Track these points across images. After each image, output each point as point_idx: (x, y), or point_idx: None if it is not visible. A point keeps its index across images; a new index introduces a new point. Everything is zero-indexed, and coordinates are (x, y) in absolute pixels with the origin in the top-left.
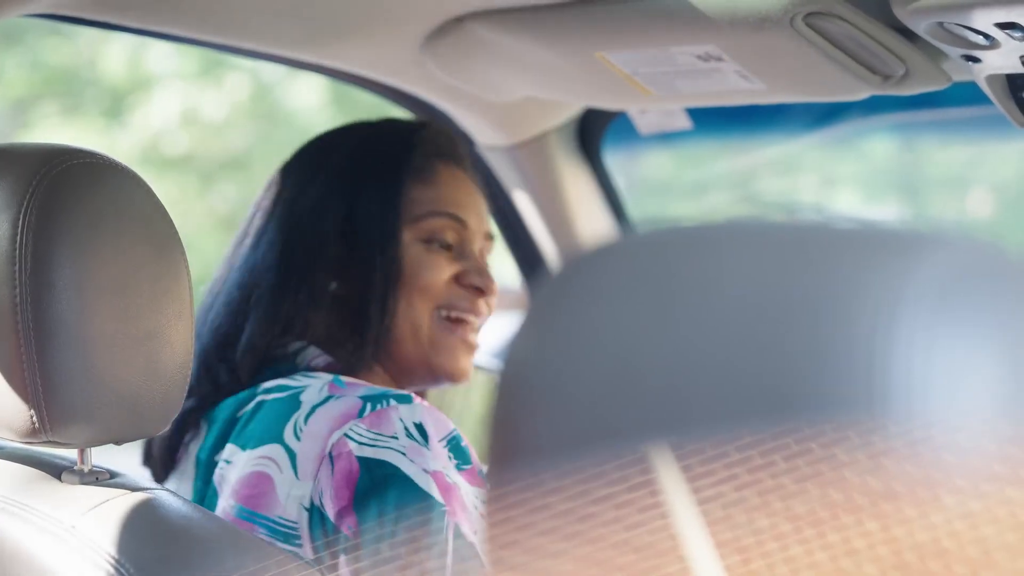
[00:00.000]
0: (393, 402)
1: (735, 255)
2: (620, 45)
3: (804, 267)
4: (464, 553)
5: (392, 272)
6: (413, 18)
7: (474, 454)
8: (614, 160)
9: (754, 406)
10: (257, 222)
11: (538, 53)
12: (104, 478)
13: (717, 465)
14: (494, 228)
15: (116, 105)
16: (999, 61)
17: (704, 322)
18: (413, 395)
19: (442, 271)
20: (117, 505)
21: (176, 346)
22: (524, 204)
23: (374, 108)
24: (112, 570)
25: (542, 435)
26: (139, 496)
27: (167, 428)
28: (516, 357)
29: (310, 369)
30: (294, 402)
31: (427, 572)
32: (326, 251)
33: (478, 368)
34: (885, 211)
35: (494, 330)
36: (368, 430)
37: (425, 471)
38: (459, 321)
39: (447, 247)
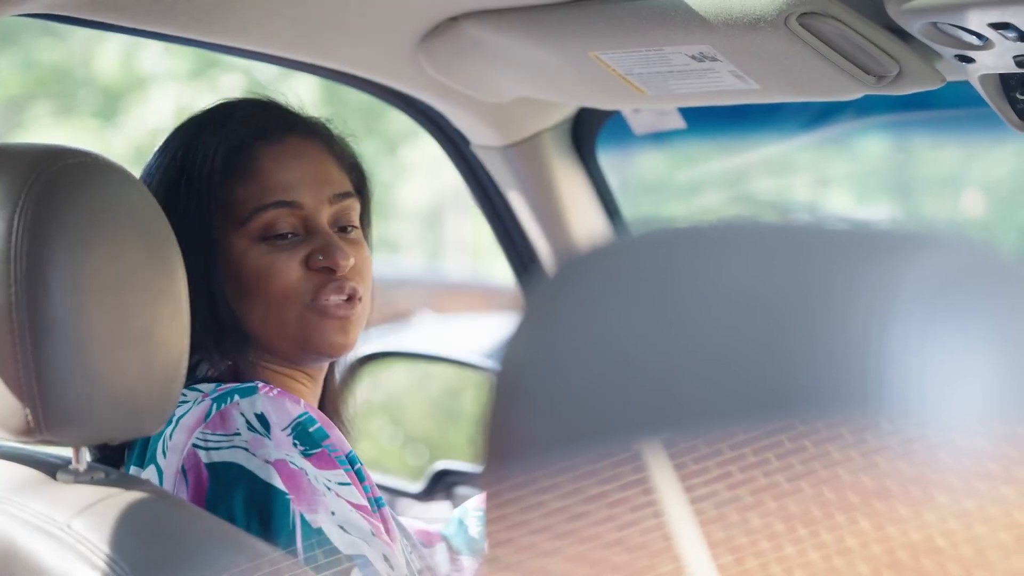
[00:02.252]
0: (236, 397)
1: (729, 256)
2: (614, 45)
3: (798, 267)
4: (313, 539)
5: (234, 284)
6: (407, 18)
7: (335, 436)
8: (608, 160)
9: (748, 406)
10: None
11: (532, 53)
12: (99, 477)
13: (710, 463)
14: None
15: (109, 105)
16: (992, 61)
17: (698, 322)
18: (259, 385)
19: (289, 265)
20: (112, 504)
21: (171, 345)
22: (518, 204)
23: (365, 107)
24: (107, 569)
25: (537, 434)
26: (134, 495)
27: (161, 427)
28: (511, 357)
29: (207, 379)
30: (170, 418)
31: (278, 561)
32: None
33: (472, 366)
34: (878, 211)
35: (489, 330)
36: (213, 434)
37: (267, 462)
38: (323, 305)
39: (286, 236)
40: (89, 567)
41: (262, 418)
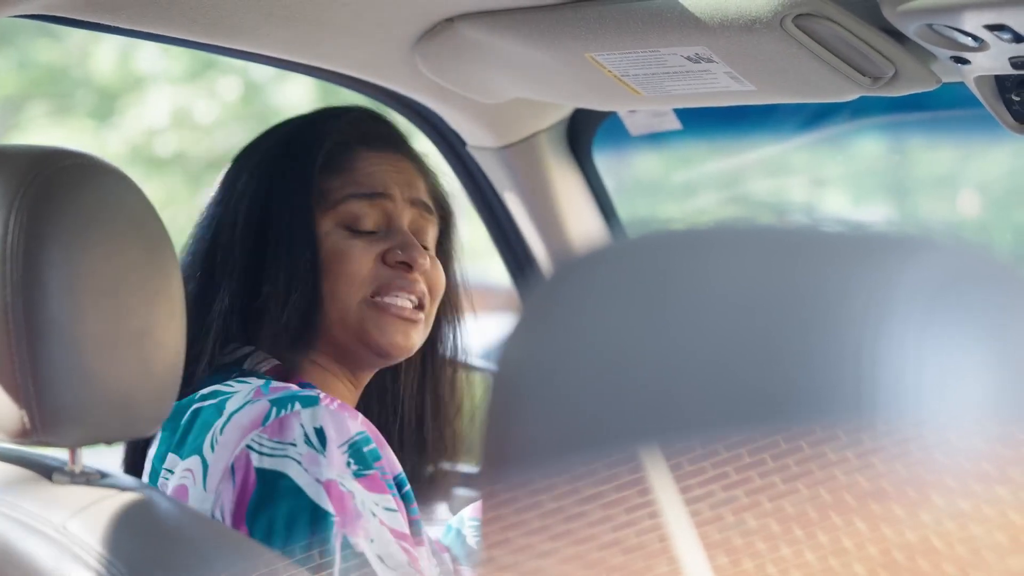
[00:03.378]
0: (297, 406)
1: (725, 258)
2: (610, 46)
3: (794, 269)
4: (352, 563)
5: (311, 265)
6: (403, 19)
7: (387, 457)
8: (604, 161)
9: (744, 407)
10: (194, 230)
11: (528, 54)
12: (95, 479)
13: (706, 464)
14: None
15: (106, 106)
16: (988, 63)
17: (695, 323)
18: (320, 396)
19: (365, 255)
20: (108, 506)
21: (167, 346)
22: (514, 205)
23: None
24: (103, 570)
25: (533, 436)
26: (130, 496)
27: (158, 429)
28: (508, 358)
29: (253, 373)
30: (219, 410)
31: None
32: (244, 253)
33: (469, 366)
34: (874, 212)
35: (486, 331)
36: (269, 439)
37: (317, 481)
38: (387, 303)
39: (370, 231)
40: (85, 569)
41: (320, 433)
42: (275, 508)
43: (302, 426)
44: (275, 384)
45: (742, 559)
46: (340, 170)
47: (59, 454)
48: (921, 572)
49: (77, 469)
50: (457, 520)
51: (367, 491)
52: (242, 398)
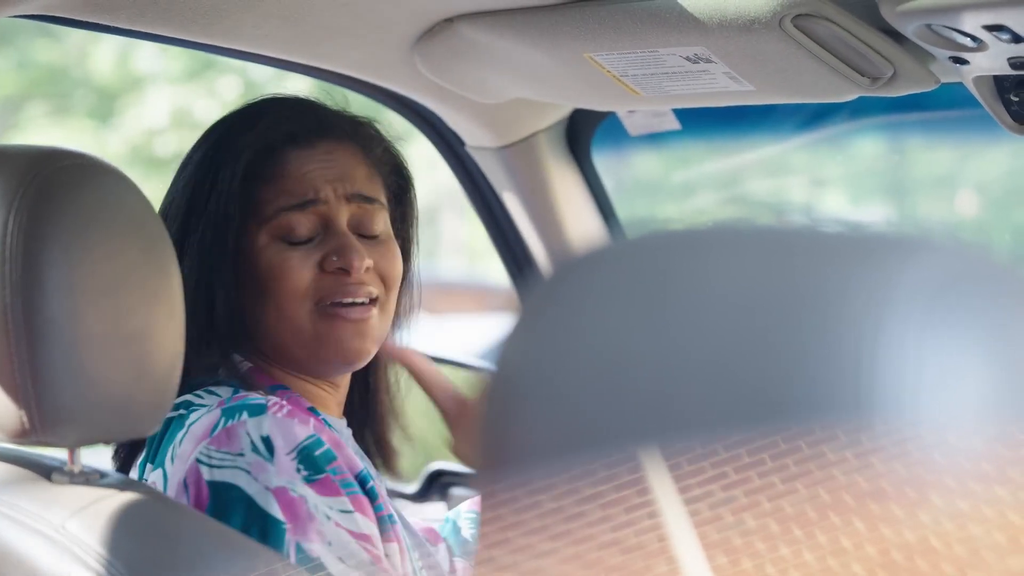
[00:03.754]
0: (244, 415)
1: (724, 258)
2: (609, 46)
3: (793, 269)
4: (309, 568)
5: (249, 284)
6: (403, 19)
7: (343, 458)
8: (603, 161)
9: (744, 408)
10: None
11: (527, 54)
12: (94, 478)
13: (705, 464)
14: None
15: (105, 106)
16: (986, 63)
17: (694, 324)
18: (268, 404)
19: (303, 266)
20: (107, 505)
21: (166, 346)
22: (513, 205)
23: (360, 108)
24: (102, 570)
25: (532, 436)
26: (129, 496)
27: (157, 429)
28: (507, 359)
29: (226, 382)
30: (182, 421)
31: (273, 562)
32: (187, 268)
33: (467, 367)
34: (873, 212)
35: (484, 331)
36: (217, 451)
37: (267, 488)
38: (335, 310)
39: (306, 239)
40: (84, 568)
41: (267, 441)
42: (228, 519)
43: (248, 435)
44: (240, 394)
45: (741, 559)
46: (269, 178)
47: (58, 454)
48: (920, 572)
49: (76, 469)
50: (455, 513)
51: (319, 495)
52: (205, 409)
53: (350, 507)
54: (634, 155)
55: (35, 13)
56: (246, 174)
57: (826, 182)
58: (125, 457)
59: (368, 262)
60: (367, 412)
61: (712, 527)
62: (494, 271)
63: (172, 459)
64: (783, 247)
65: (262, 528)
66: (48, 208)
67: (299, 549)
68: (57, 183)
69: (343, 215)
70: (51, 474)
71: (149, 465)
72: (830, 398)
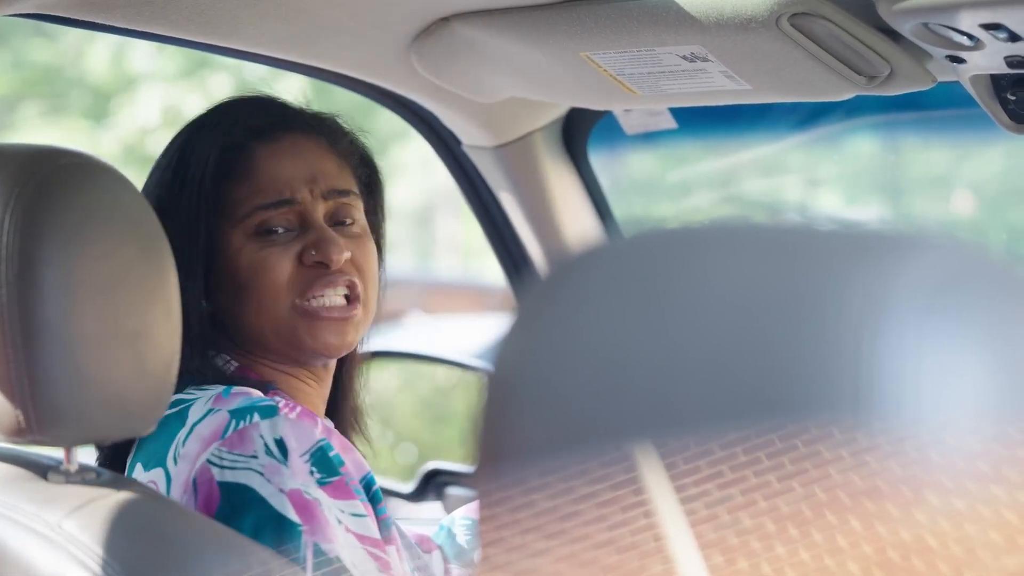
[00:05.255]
0: (256, 417)
1: (721, 257)
2: (605, 45)
3: (790, 268)
4: (328, 570)
5: (229, 283)
6: (399, 18)
7: (352, 461)
8: (599, 160)
9: (740, 406)
10: None
11: (524, 53)
12: (90, 477)
13: (701, 463)
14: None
15: (100, 105)
16: (983, 62)
17: (690, 323)
18: (280, 406)
19: (282, 260)
20: (103, 504)
21: (163, 346)
22: (509, 204)
23: (356, 107)
24: (98, 569)
25: (529, 435)
26: (125, 495)
27: (153, 428)
28: (503, 358)
29: (214, 379)
30: (181, 419)
31: (269, 562)
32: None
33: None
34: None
35: (480, 330)
36: (229, 452)
37: (281, 491)
38: (315, 307)
39: (279, 232)
40: (80, 568)
41: (281, 443)
42: (240, 521)
43: (262, 437)
44: (236, 390)
45: (737, 558)
46: (240, 177)
47: (54, 453)
48: (916, 571)
49: (72, 468)
50: (449, 520)
51: (332, 498)
52: (203, 405)
53: (362, 511)
54: (630, 154)
55: (31, 12)
56: (216, 173)
57: (822, 181)
58: (112, 457)
59: (346, 254)
60: (345, 407)
61: (708, 526)
62: (490, 271)
63: (175, 459)
64: (780, 245)
65: (276, 530)
66: (45, 207)
67: (317, 550)
68: (54, 182)
69: (319, 211)
70: (47, 473)
71: (140, 465)
72: (827, 397)
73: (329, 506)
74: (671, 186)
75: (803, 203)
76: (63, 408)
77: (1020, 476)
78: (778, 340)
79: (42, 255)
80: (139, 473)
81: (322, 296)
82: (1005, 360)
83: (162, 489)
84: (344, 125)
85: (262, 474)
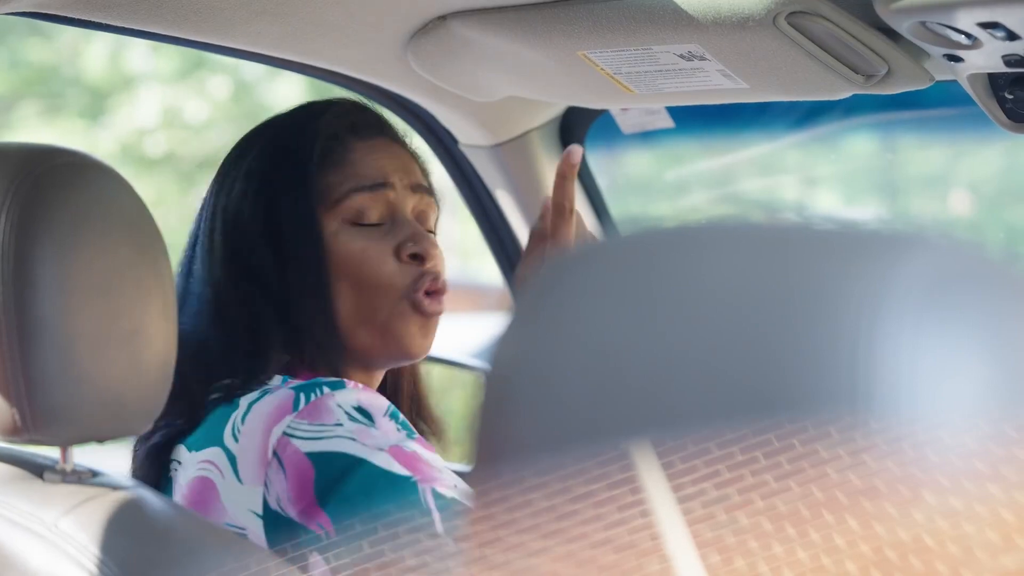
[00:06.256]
0: (326, 389)
1: (718, 256)
2: (603, 44)
3: (787, 267)
4: (452, 510)
5: (323, 265)
6: (396, 17)
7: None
8: (596, 159)
9: (737, 405)
10: (196, 231)
11: (521, 52)
12: (86, 477)
13: (698, 462)
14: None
15: (96, 105)
16: (981, 60)
17: (687, 322)
18: (344, 380)
19: (381, 253)
20: (99, 504)
21: (159, 345)
22: (506, 203)
23: None
24: (95, 569)
25: (526, 434)
26: (121, 495)
27: (149, 428)
28: (501, 357)
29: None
30: (233, 402)
31: (424, 548)
32: (256, 257)
33: (462, 366)
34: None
35: (477, 330)
36: (309, 424)
37: (380, 449)
38: (416, 301)
39: (376, 224)
40: (76, 567)
41: (362, 409)
42: (345, 485)
43: (340, 407)
44: (292, 379)
45: (734, 557)
46: (338, 164)
47: (50, 452)
48: (913, 570)
49: (68, 468)
50: None
51: (425, 450)
52: (258, 392)
53: (443, 462)
54: (627, 153)
55: (26, 11)
56: (319, 162)
57: (819, 180)
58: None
59: (439, 250)
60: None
61: (705, 525)
62: (487, 270)
63: (236, 437)
64: (777, 244)
65: (389, 486)
66: (41, 206)
67: (436, 495)
68: (50, 181)
69: (409, 204)
70: (43, 473)
71: (181, 447)
72: (824, 396)
73: (428, 456)
74: (668, 185)
75: (800, 202)
76: (59, 407)
77: (1017, 475)
78: (775, 340)
79: (38, 254)
80: (184, 455)
81: (429, 297)
82: (1002, 359)
83: (225, 469)
84: (417, 150)
85: (354, 439)
